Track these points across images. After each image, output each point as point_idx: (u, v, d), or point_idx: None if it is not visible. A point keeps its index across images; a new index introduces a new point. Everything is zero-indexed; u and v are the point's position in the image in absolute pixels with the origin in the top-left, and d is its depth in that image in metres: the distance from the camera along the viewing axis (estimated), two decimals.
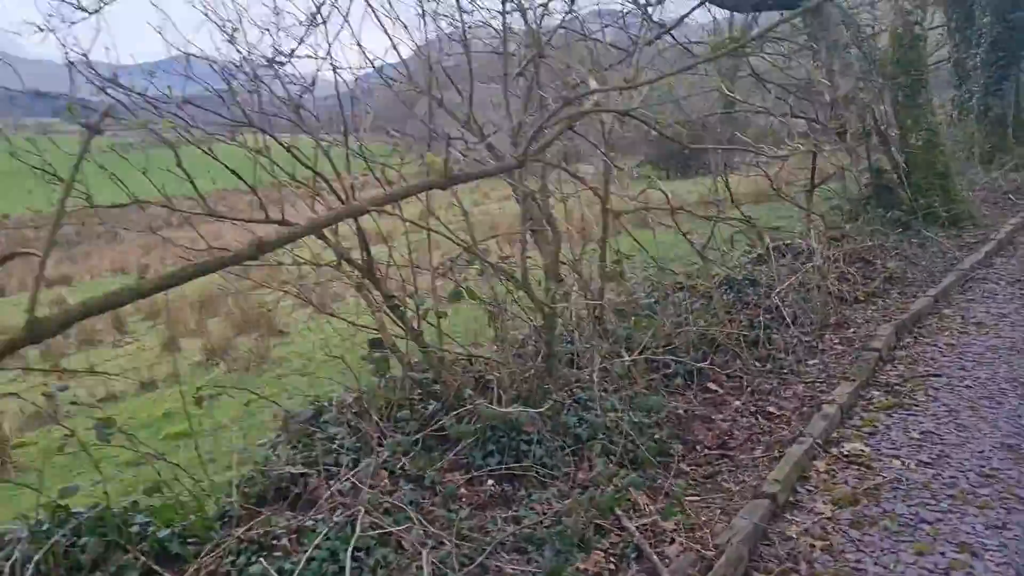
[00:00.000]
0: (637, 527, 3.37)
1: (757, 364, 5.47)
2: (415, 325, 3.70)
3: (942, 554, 3.22)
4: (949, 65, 14.60)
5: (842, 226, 8.24)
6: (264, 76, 3.98)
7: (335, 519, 2.96)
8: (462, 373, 4.11)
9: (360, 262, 3.51)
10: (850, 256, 7.68)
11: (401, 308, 3.64)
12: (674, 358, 4.99)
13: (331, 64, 3.96)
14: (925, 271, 7.69)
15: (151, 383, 8.45)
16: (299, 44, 3.85)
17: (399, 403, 3.83)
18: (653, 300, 5.72)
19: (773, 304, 6.02)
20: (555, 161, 4.16)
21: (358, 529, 2.80)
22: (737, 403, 4.91)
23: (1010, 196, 10.86)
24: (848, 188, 9.67)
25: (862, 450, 4.21)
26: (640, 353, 4.80)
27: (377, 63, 4.57)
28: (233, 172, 3.38)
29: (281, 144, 3.68)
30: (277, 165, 3.71)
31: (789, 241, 7.37)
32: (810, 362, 5.56)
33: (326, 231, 3.52)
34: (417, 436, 3.59)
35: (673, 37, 11.70)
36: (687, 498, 3.78)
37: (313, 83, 4.10)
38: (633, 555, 3.20)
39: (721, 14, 18.27)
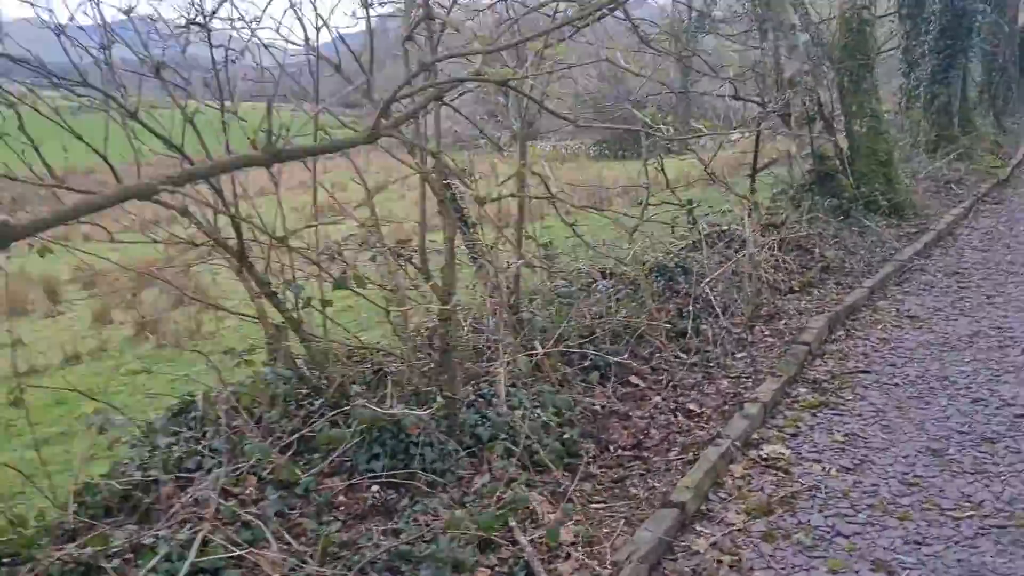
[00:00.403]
0: (531, 540, 3.07)
1: (683, 356, 5.21)
2: (295, 314, 3.34)
3: (856, 573, 2.98)
4: (899, 52, 14.53)
5: (780, 212, 8.02)
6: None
7: (180, 535, 2.61)
8: (354, 367, 3.76)
9: (233, 246, 3.14)
10: (788, 244, 7.47)
11: (279, 295, 3.28)
12: (593, 351, 4.71)
13: (250, 30, 3.56)
14: (863, 261, 7.52)
15: (75, 356, 8.00)
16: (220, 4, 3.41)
17: (283, 398, 3.48)
18: (575, 288, 5.42)
19: (704, 293, 5.78)
20: (414, 139, 3.78)
21: (195, 549, 2.45)
22: (658, 399, 4.65)
23: (952, 186, 10.79)
24: (792, 174, 9.48)
25: (782, 453, 3.97)
26: (556, 345, 4.50)
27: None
28: (80, 139, 2.97)
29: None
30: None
31: (725, 227, 7.13)
32: (738, 355, 5.32)
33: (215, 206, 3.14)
34: (293, 437, 3.24)
35: (626, 13, 11.38)
36: (592, 505, 3.51)
37: (242, 52, 3.68)
38: (522, 574, 2.90)
39: None
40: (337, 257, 3.29)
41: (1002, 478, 3.67)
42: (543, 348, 4.35)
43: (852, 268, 7.27)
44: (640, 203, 5.71)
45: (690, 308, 5.58)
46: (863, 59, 9.27)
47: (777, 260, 7.05)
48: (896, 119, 14.88)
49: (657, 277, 6.03)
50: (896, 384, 4.85)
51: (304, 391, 3.60)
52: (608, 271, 6.02)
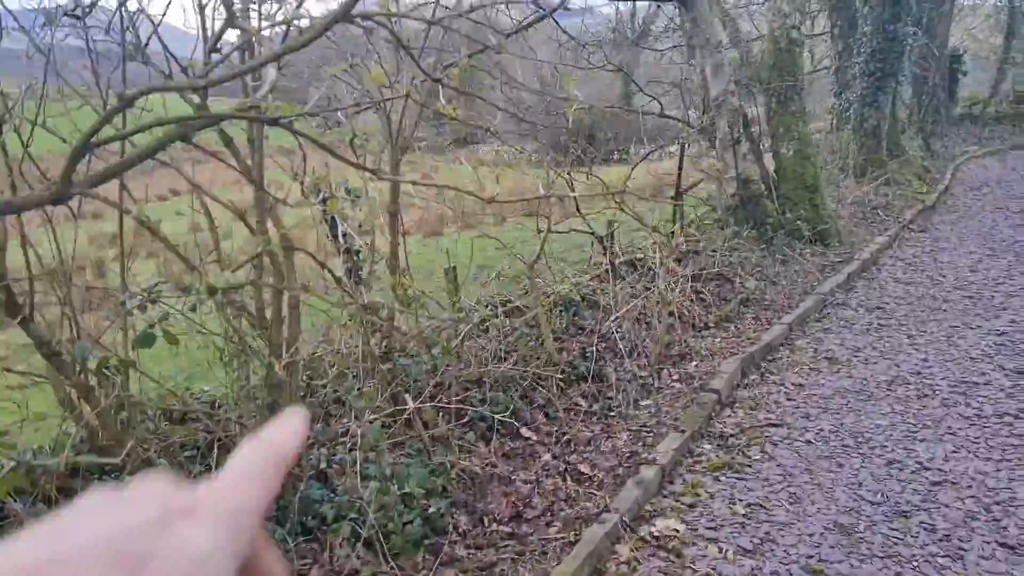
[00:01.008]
0: None
1: (583, 403, 4.76)
2: (85, 377, 2.77)
3: None
4: (831, 72, 14.44)
5: (699, 239, 7.66)
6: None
7: None
8: (180, 430, 3.19)
9: None
10: (708, 273, 7.10)
11: (62, 355, 2.71)
12: (480, 399, 4.21)
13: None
14: (785, 293, 7.18)
15: None
16: None
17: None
18: (465, 326, 4.92)
19: (611, 331, 5.34)
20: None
21: None
22: (548, 456, 4.17)
23: (879, 212, 10.61)
24: (721, 196, 9.16)
25: (676, 530, 3.53)
26: (434, 397, 3.99)
27: None
28: None
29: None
30: None
31: (641, 255, 6.72)
32: (643, 403, 4.89)
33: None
34: None
35: (557, 25, 10.95)
36: None
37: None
38: None
39: (624, 5, 17.63)
40: (147, 304, 2.73)
41: (914, 564, 3.28)
42: (415, 402, 3.83)
43: (772, 301, 6.93)
44: (542, 230, 5.22)
45: (594, 348, 5.13)
46: (791, 80, 8.98)
47: (695, 291, 6.67)
48: (829, 139, 14.79)
49: (561, 312, 5.57)
50: (808, 441, 4.46)
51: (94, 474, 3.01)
52: (509, 304, 5.54)
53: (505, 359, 4.79)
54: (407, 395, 3.84)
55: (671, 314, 5.95)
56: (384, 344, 4.04)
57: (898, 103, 15.46)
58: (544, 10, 10.42)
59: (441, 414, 4.01)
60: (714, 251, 7.60)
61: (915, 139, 16.30)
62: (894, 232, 9.63)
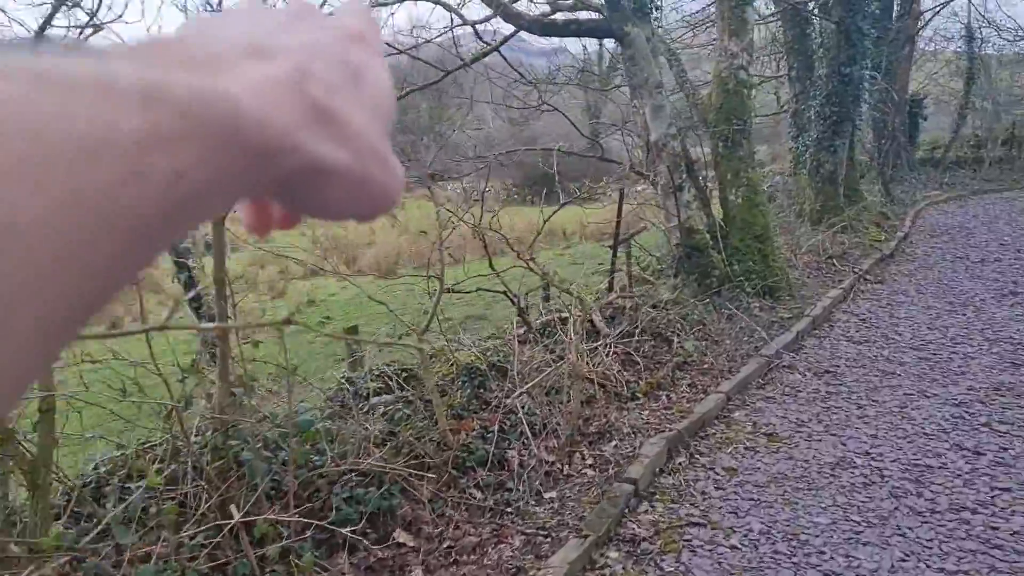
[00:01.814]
0: None
1: (477, 496, 4.08)
2: None
3: None
4: (788, 116, 14.07)
5: (633, 294, 7.05)
6: None
7: None
8: None
9: None
10: (644, 331, 6.48)
11: None
12: (342, 496, 3.51)
13: None
14: (727, 354, 6.57)
15: None
16: None
17: None
18: (327, 408, 4.23)
19: (518, 405, 4.67)
20: None
21: None
22: (419, 572, 3.47)
23: (835, 261, 10.10)
24: (666, 245, 8.61)
25: None
26: (278, 500, 3.29)
27: None
28: None
29: None
30: None
31: (566, 314, 6.08)
32: (547, 495, 4.21)
33: None
34: None
35: (504, 60, 10.45)
36: None
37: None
38: None
39: (590, 43, 17.20)
40: None
41: None
42: (249, 509, 3.13)
43: (712, 364, 6.30)
44: (440, 292, 4.54)
45: (495, 428, 4.46)
46: (739, 123, 8.48)
47: (626, 354, 6.04)
48: (788, 183, 14.39)
49: (464, 383, 4.90)
50: (733, 546, 3.80)
51: None
52: (407, 372, 4.87)
53: (385, 444, 4.11)
54: (253, 501, 3.14)
55: (594, 382, 5.31)
56: (218, 434, 3.34)
57: (857, 147, 15.14)
58: (490, 44, 9.90)
59: (285, 523, 3.30)
60: (654, 307, 6.99)
61: (875, 184, 15.96)
62: (849, 284, 9.10)
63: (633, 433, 4.92)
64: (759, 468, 4.67)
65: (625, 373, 5.77)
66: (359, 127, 0.34)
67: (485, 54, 9.49)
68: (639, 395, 5.56)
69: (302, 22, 0.36)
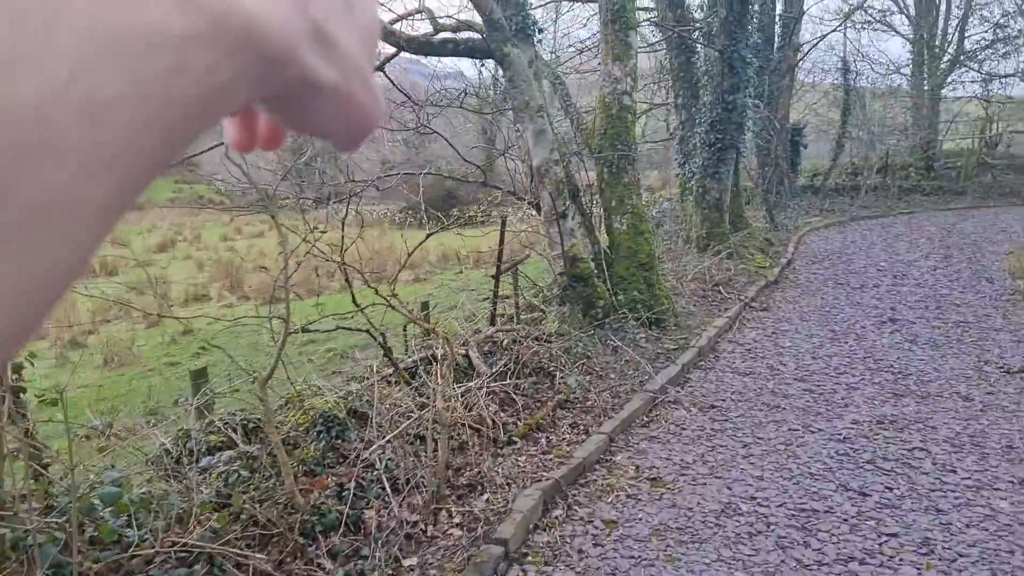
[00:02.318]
0: None
1: (327, 566, 3.58)
2: None
3: None
4: (675, 143, 14.15)
5: (513, 328, 6.69)
6: None
7: None
8: None
9: None
10: (525, 368, 6.12)
11: None
12: None
13: None
14: (611, 390, 6.27)
15: None
16: None
17: None
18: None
19: (380, 457, 4.20)
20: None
21: None
22: None
23: (720, 289, 10.04)
24: (556, 276, 8.31)
25: None
26: None
27: None
28: None
29: None
30: None
31: (441, 351, 5.64)
32: (406, 562, 3.75)
33: None
34: None
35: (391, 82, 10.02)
36: None
37: None
38: None
39: (491, 66, 16.94)
40: None
41: None
42: None
43: (595, 402, 5.98)
44: (281, 322, 4.00)
45: (352, 485, 3.98)
46: (624, 149, 8.29)
47: (505, 393, 5.65)
48: (675, 209, 14.44)
49: (320, 433, 4.39)
50: None
51: None
52: (252, 424, 4.33)
53: (224, 508, 3.57)
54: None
55: (467, 427, 4.89)
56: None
57: (742, 174, 15.37)
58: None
59: None
60: (537, 339, 6.65)
61: (760, 210, 16.25)
62: (735, 312, 9.02)
63: (507, 484, 4.50)
64: (641, 519, 4.34)
65: (503, 414, 5.38)
66: (348, 49, 0.37)
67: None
68: (516, 439, 5.17)
69: None
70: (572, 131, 9.43)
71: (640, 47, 15.95)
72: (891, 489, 4.71)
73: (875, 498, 4.60)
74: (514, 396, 5.64)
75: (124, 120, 0.28)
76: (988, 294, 10.84)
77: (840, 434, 5.60)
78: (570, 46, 16.11)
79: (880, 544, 4.05)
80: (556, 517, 4.32)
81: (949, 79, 24.78)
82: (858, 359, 7.58)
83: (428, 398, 4.68)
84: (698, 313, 8.86)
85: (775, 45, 18.30)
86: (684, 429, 5.70)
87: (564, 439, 5.29)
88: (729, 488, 4.73)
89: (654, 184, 24.90)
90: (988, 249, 14.47)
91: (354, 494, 3.94)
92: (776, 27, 18.51)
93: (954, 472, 4.96)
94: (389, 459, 4.19)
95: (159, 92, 0.29)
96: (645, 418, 5.87)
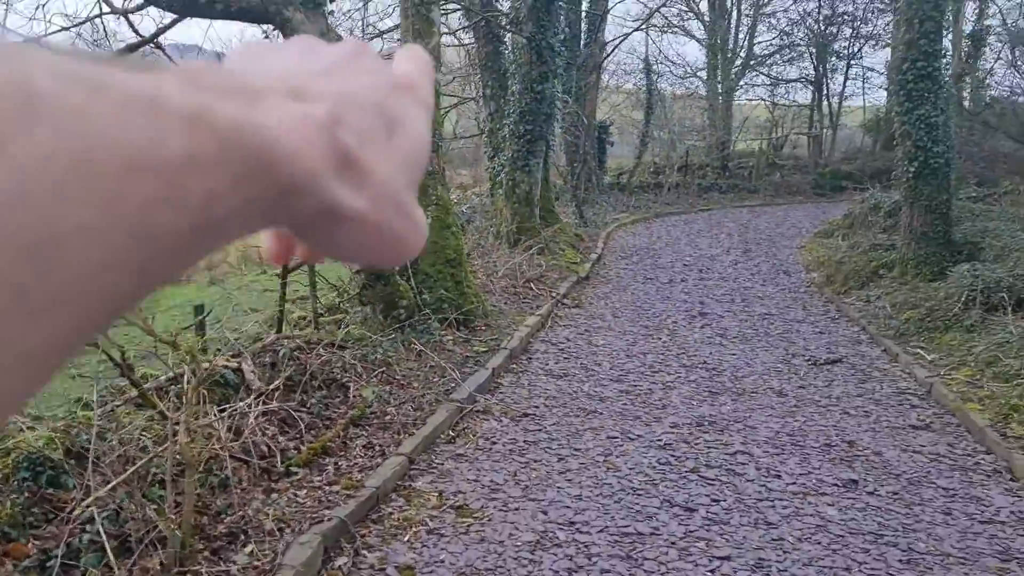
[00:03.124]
0: None
1: None
2: None
3: None
4: (485, 136, 13.65)
5: (294, 335, 5.80)
6: None
7: None
8: None
9: None
10: (314, 379, 5.25)
11: None
12: None
13: None
14: (413, 401, 5.53)
15: None
16: None
17: None
18: None
19: (95, 513, 3.22)
20: None
21: None
22: None
23: (532, 285, 9.58)
24: (342, 276, 7.47)
25: None
26: None
27: None
28: None
29: None
30: None
31: (228, 362, 4.66)
32: None
33: None
34: None
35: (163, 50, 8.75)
36: None
37: None
38: None
39: None
40: None
41: None
42: None
43: (395, 416, 5.22)
44: None
45: (60, 550, 2.99)
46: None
47: (288, 412, 4.77)
48: (485, 204, 13.96)
49: (24, 481, 3.34)
50: None
51: None
52: None
53: None
54: None
55: (236, 459, 3.98)
56: None
57: (551, 169, 15.14)
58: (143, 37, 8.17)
59: None
60: (330, 346, 5.80)
61: (569, 206, 16.11)
62: (547, 310, 8.56)
63: (279, 529, 3.64)
64: (443, 560, 3.63)
65: (282, 438, 4.50)
66: (382, 178, 0.34)
67: (137, 46, 7.81)
68: (297, 467, 4.32)
69: (353, 63, 0.37)
70: None
71: (445, 33, 15.32)
72: (717, 501, 4.29)
73: (702, 513, 4.15)
74: (297, 415, 4.77)
75: (83, 257, 0.24)
76: (787, 286, 11.11)
77: (660, 439, 5.18)
78: (379, 32, 15.22)
79: (712, 571, 3.58)
80: (339, 568, 3.52)
81: (741, 83, 26.10)
82: (672, 356, 7.30)
83: (172, 429, 3.72)
84: (509, 311, 8.31)
85: (582, 41, 18.32)
86: (494, 443, 5.06)
87: (356, 464, 4.50)
88: (545, 513, 4.13)
89: (466, 182, 24.45)
90: (782, 244, 15.08)
91: (62, 562, 2.96)
92: (582, 24, 18.55)
93: (779, 477, 4.64)
94: (116, 511, 3.22)
95: (136, 225, 0.25)
96: (451, 432, 5.18)
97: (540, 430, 5.32)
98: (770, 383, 6.57)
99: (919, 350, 7.42)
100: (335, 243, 0.34)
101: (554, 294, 9.34)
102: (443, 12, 14.50)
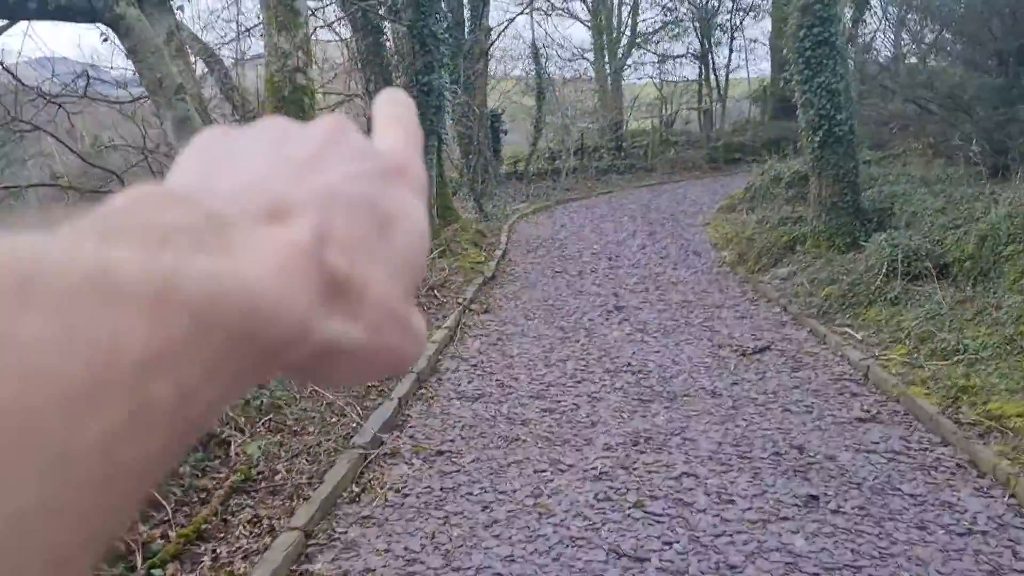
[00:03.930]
0: None
1: None
2: None
3: None
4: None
5: None
6: None
7: None
8: None
9: None
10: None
11: None
12: None
13: None
14: (308, 452, 4.74)
15: None
16: None
17: None
18: None
19: None
20: None
21: None
22: None
23: (436, 292, 8.86)
24: None
25: None
26: None
27: None
28: None
29: None
30: None
31: None
32: None
33: None
34: None
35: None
36: None
37: None
38: None
39: None
40: None
41: None
42: None
43: (287, 475, 4.44)
44: None
45: None
46: None
47: (150, 491, 3.92)
48: None
49: None
50: None
51: None
52: None
53: None
54: None
55: None
56: None
57: (446, 163, 14.44)
58: None
59: None
60: None
61: (468, 200, 15.43)
62: (454, 320, 7.85)
63: None
64: None
65: (144, 527, 3.67)
66: (378, 295, 0.30)
67: None
68: (164, 562, 3.51)
69: (333, 149, 0.32)
70: (234, 118, 7.71)
71: (320, 27, 14.32)
72: (670, 544, 3.71)
73: (655, 563, 3.56)
74: (165, 491, 3.94)
75: (25, 543, 0.19)
76: (699, 268, 10.74)
77: (595, 468, 4.58)
78: (245, 29, 14.11)
79: None
80: None
81: (629, 62, 25.90)
82: (594, 360, 6.73)
83: None
84: None
85: (466, 28, 17.63)
86: (407, 496, 4.35)
87: (239, 548, 3.71)
88: None
89: None
90: (686, 222, 14.79)
91: None
92: (465, 10, 17.85)
93: (732, 502, 4.09)
94: None
95: (100, 463, 0.20)
96: (354, 488, 4.43)
97: (458, 470, 4.64)
98: (701, 382, 6.07)
99: (847, 329, 7.08)
100: (326, 377, 0.29)
101: (460, 300, 8.64)
102: (318, 2, 13.53)
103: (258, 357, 0.24)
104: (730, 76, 27.04)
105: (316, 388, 5.42)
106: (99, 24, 5.93)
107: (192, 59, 7.89)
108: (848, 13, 14.57)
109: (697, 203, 17.18)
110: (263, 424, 4.96)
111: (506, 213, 16.16)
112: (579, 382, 6.17)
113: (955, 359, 5.75)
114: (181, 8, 6.63)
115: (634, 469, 4.53)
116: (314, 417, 5.21)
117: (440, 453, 4.89)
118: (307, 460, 4.63)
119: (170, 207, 0.24)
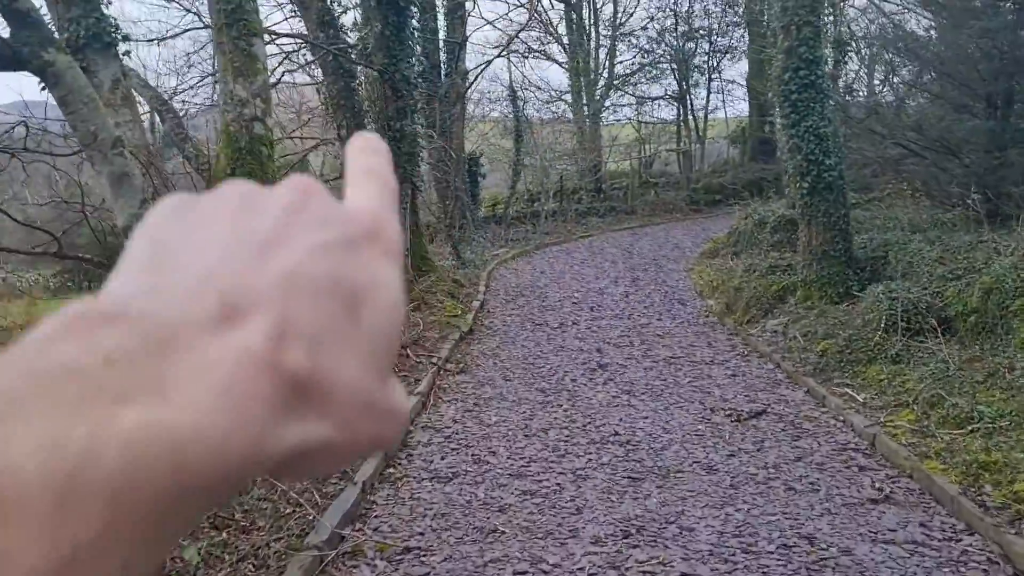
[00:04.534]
0: None
1: None
2: None
3: None
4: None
5: None
6: None
7: None
8: None
9: None
10: None
11: None
12: None
13: None
14: (255, 557, 4.17)
15: None
16: None
17: None
18: None
19: None
20: None
21: None
22: None
23: (409, 352, 8.30)
24: None
25: None
26: None
27: None
28: None
29: None
30: None
31: None
32: None
33: None
34: None
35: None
36: None
37: None
38: None
39: None
40: None
41: None
42: None
43: None
44: None
45: None
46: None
47: None
48: None
49: None
50: None
51: None
52: None
53: None
54: None
55: None
56: None
57: (423, 210, 13.99)
58: None
59: None
60: None
61: (445, 247, 14.96)
62: (428, 383, 7.31)
63: None
64: None
65: None
66: (347, 387, 0.27)
67: None
68: None
69: (298, 217, 0.30)
70: (188, 171, 7.20)
71: (291, 70, 13.91)
72: None
73: None
74: None
75: None
76: (685, 318, 10.30)
77: (582, 568, 4.04)
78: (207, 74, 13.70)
79: None
80: None
81: (607, 103, 25.74)
82: (578, 428, 6.21)
83: None
84: None
85: (442, 72, 17.33)
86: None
87: None
88: None
89: None
90: (669, 268, 14.41)
91: None
92: (441, 54, 17.57)
93: None
94: None
95: None
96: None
97: (428, 573, 4.08)
98: (695, 454, 5.57)
99: (847, 389, 6.62)
100: (301, 474, 0.28)
101: (435, 359, 8.11)
102: (291, 46, 13.12)
103: (205, 494, 0.22)
104: (708, 117, 26.94)
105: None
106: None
107: (140, 108, 7.41)
108: (829, 54, 14.40)
109: (679, 247, 16.82)
110: (207, 519, 4.38)
111: (484, 259, 15.70)
112: (563, 456, 5.64)
113: (970, 428, 5.29)
114: (128, 53, 6.14)
115: (627, 569, 4.00)
116: (265, 509, 4.63)
117: (407, 550, 4.32)
118: (253, 565, 4.06)
119: (104, 332, 0.22)
